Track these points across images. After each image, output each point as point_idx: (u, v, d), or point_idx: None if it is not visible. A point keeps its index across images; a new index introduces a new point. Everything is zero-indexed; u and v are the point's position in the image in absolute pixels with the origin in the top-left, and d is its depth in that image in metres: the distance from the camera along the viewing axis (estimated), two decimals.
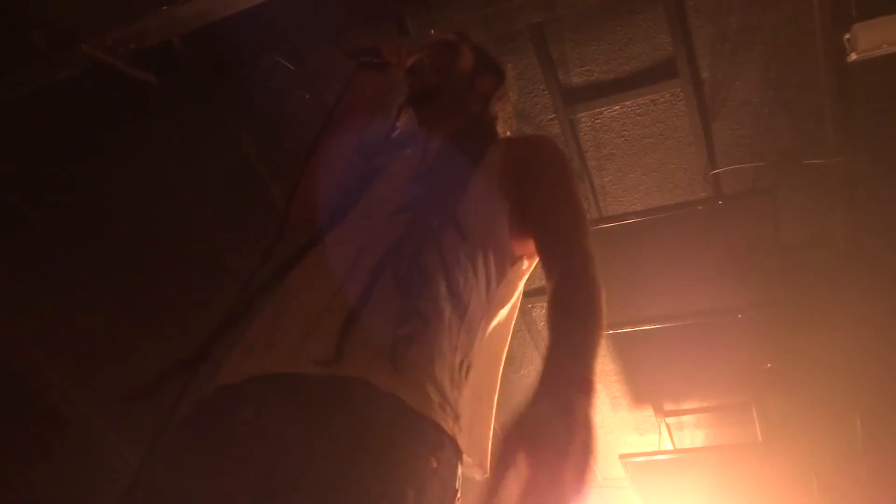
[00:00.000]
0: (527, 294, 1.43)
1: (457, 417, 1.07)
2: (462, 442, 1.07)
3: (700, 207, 2.92)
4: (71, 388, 2.61)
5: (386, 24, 2.77)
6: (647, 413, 4.07)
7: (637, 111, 2.98)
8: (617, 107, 2.97)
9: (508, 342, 1.34)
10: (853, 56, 2.40)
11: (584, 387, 0.94)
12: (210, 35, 2.34)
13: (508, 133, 1.62)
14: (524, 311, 3.64)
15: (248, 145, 2.92)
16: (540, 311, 3.70)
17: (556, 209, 1.25)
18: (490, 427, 1.24)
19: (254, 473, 0.91)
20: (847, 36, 2.42)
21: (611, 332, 3.53)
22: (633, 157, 3.12)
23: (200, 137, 2.79)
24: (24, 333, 2.45)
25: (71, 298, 2.62)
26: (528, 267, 1.35)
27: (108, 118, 2.53)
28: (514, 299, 1.34)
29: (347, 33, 2.78)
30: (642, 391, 4.00)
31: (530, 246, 1.30)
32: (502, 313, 1.31)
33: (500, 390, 1.31)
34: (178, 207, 2.87)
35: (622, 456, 3.89)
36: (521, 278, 1.35)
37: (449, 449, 1.03)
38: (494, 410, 1.25)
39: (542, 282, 1.32)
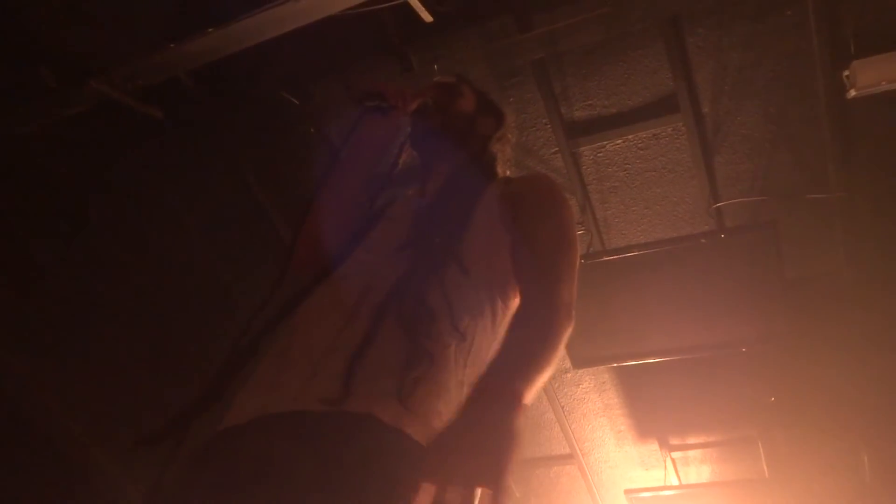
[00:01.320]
0: None
1: None
2: None
3: (703, 241, 2.92)
4: (85, 434, 2.60)
5: (390, 60, 2.82)
6: (653, 447, 4.03)
7: (639, 145, 3.00)
8: (619, 141, 3.00)
9: None
10: (852, 92, 2.42)
11: (511, 401, 0.93)
12: (216, 71, 2.38)
13: (508, 173, 1.64)
14: None
15: (254, 179, 2.94)
16: None
17: (548, 252, 1.24)
18: None
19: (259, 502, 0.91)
20: (846, 73, 2.44)
21: (615, 364, 3.52)
22: (635, 191, 3.14)
23: (206, 172, 2.82)
24: (31, 374, 2.45)
25: (80, 337, 2.62)
26: None
27: (115, 153, 2.57)
28: None
29: (352, 69, 2.82)
30: (647, 425, 3.96)
31: None
32: None
33: None
34: (185, 242, 2.89)
35: (627, 491, 3.84)
36: None
37: None
38: None
39: None
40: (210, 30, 1.97)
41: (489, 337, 1.22)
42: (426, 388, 1.05)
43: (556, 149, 3.04)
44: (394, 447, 0.98)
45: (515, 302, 1.30)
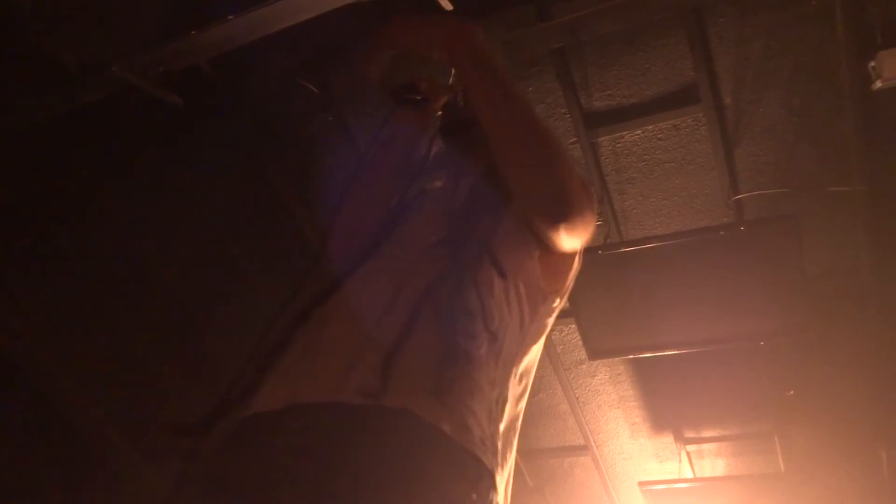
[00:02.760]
0: None
1: (496, 451, 1.07)
2: (499, 475, 1.07)
3: (722, 233, 2.90)
4: (101, 415, 2.64)
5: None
6: (668, 440, 4.02)
7: (658, 136, 2.98)
8: (638, 131, 2.98)
9: (533, 377, 1.34)
10: (878, 83, 2.39)
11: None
12: (236, 59, 2.38)
13: None
14: None
15: (273, 168, 2.95)
16: (559, 334, 3.69)
17: None
18: (513, 455, 1.24)
19: (298, 495, 0.91)
20: (872, 63, 2.41)
21: (630, 357, 3.51)
22: (654, 182, 3.12)
23: (225, 161, 2.83)
24: (52, 355, 2.48)
25: (97, 321, 2.65)
26: (559, 304, 1.36)
27: (135, 141, 2.58)
28: (544, 336, 1.35)
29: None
30: (662, 418, 3.95)
31: (558, 282, 1.30)
32: (534, 349, 1.31)
33: None
34: (204, 231, 2.90)
35: (641, 483, 3.83)
36: (551, 315, 1.36)
37: (487, 482, 1.04)
38: (517, 440, 1.24)
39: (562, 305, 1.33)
40: (231, 17, 1.97)
41: (517, 339, 1.22)
42: (461, 386, 1.05)
43: (575, 139, 3.02)
44: (431, 446, 0.98)
45: (542, 307, 1.30)
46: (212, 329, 2.87)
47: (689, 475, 4.05)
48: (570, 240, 1.21)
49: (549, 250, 1.26)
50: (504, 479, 1.12)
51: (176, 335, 2.80)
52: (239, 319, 2.85)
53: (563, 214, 1.17)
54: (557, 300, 1.35)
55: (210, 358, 2.80)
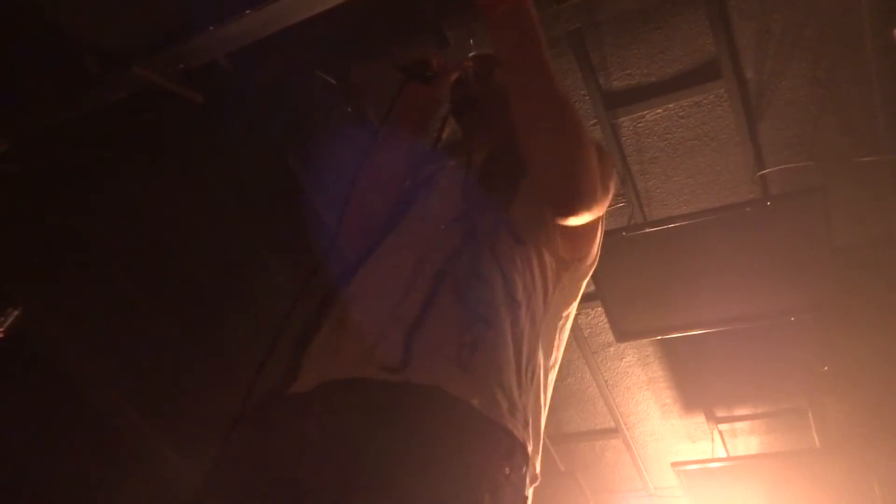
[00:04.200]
0: None
1: (526, 423, 1.08)
2: (530, 447, 1.08)
3: (748, 209, 2.86)
4: (124, 401, 2.70)
5: (426, 37, 2.80)
6: (699, 420, 4.00)
7: (680, 114, 2.95)
8: (659, 110, 2.95)
9: (562, 350, 1.34)
10: None
11: None
12: (254, 53, 2.40)
13: None
14: None
15: (294, 160, 2.97)
16: (585, 317, 3.68)
17: None
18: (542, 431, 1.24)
19: (330, 474, 0.93)
20: None
21: (659, 337, 3.49)
22: (677, 160, 3.08)
23: (246, 154, 2.85)
24: (77, 344, 2.55)
25: (121, 311, 2.70)
26: (585, 271, 1.35)
27: (156, 138, 2.61)
28: (573, 306, 1.35)
29: (388, 46, 2.82)
30: (693, 398, 3.93)
31: (581, 249, 1.30)
32: (561, 319, 1.31)
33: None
34: (226, 224, 2.93)
35: (674, 464, 3.82)
36: (578, 283, 1.35)
37: (520, 455, 1.04)
38: (545, 417, 1.25)
39: (588, 288, 1.32)
40: (248, 11, 1.98)
41: (541, 307, 1.23)
42: (484, 354, 1.05)
43: (595, 120, 3.00)
44: (461, 422, 0.99)
45: (566, 275, 1.30)
46: (233, 318, 2.92)
47: (723, 454, 4.03)
48: (578, 221, 1.21)
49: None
50: (537, 452, 1.13)
51: (198, 323, 2.85)
52: (259, 305, 2.89)
53: (569, 208, 1.17)
54: (582, 267, 1.34)
55: (232, 345, 2.85)
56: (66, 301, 2.47)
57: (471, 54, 1.69)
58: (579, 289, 1.37)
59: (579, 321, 3.68)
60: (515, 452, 1.03)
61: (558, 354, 1.31)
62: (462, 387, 1.00)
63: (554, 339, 1.29)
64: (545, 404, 1.21)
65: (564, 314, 1.32)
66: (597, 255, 1.39)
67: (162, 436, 2.75)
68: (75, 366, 2.54)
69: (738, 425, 3.97)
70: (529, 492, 1.06)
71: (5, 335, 2.14)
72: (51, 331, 2.41)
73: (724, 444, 4.03)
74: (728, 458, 4.00)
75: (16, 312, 2.15)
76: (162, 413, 2.75)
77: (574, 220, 1.19)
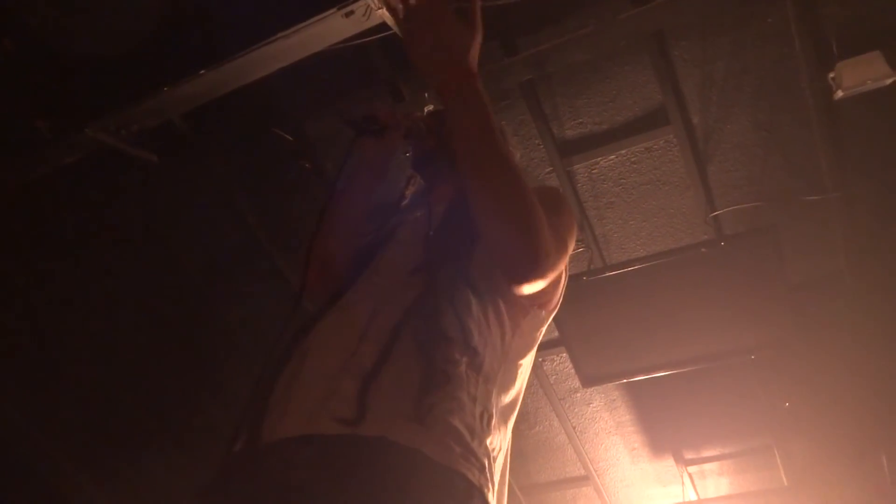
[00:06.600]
0: (538, 347, 1.42)
1: (482, 468, 1.06)
2: (488, 492, 1.06)
3: (703, 250, 2.92)
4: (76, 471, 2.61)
5: (381, 92, 2.84)
6: (668, 463, 3.99)
7: (632, 159, 3.02)
8: (612, 156, 3.02)
9: (522, 395, 1.33)
10: (839, 93, 2.44)
11: None
12: (209, 112, 2.39)
13: None
14: (535, 366, 3.62)
15: (253, 217, 2.95)
16: (551, 364, 3.67)
17: None
18: (506, 477, 1.23)
19: None
20: (832, 74, 2.47)
21: (624, 381, 3.50)
22: (632, 204, 3.15)
23: (204, 212, 2.83)
24: (26, 415, 2.47)
25: (75, 374, 2.63)
26: (545, 317, 1.36)
27: (111, 199, 2.58)
28: (532, 352, 1.34)
29: (343, 102, 2.85)
30: (662, 441, 3.93)
31: (542, 297, 1.30)
32: (520, 365, 1.30)
33: (516, 447, 1.29)
34: (186, 284, 2.89)
35: None
36: (537, 329, 1.35)
37: (477, 499, 1.02)
38: (508, 464, 1.23)
39: (552, 334, 1.32)
40: (202, 71, 1.99)
41: (498, 354, 1.22)
42: (442, 407, 1.05)
43: (550, 168, 3.06)
44: (413, 469, 0.98)
45: (525, 322, 1.30)
46: (202, 382, 2.86)
47: (693, 497, 4.02)
48: (533, 289, 1.21)
49: None
50: (496, 499, 1.11)
51: (165, 393, 2.78)
52: (223, 364, 2.84)
53: (522, 278, 1.18)
54: (543, 312, 1.34)
55: (197, 405, 2.79)
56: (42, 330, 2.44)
57: (426, 108, 1.71)
58: (539, 334, 1.37)
59: (545, 368, 3.68)
60: (472, 497, 1.01)
61: (518, 399, 1.30)
62: (413, 436, 1.00)
63: (514, 383, 1.28)
64: (502, 449, 1.20)
65: (523, 360, 1.32)
66: (558, 301, 1.40)
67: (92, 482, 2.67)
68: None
69: (707, 466, 3.97)
70: None
71: None
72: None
73: (693, 486, 4.02)
74: (699, 502, 3.99)
75: None
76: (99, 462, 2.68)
77: (529, 289, 1.20)
